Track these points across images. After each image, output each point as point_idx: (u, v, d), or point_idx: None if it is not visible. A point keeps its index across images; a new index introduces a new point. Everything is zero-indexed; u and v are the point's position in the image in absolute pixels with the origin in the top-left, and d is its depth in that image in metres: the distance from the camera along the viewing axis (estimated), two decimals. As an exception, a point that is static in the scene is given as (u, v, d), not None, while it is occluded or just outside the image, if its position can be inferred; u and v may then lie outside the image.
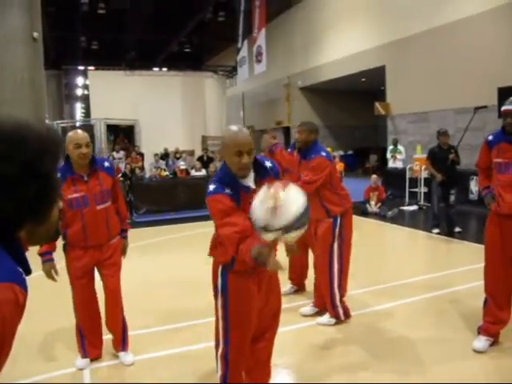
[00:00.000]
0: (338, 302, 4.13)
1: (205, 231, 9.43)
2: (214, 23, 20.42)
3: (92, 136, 16.59)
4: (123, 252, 3.65)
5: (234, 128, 2.42)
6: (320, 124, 18.83)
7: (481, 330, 3.64)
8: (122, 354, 3.59)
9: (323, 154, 4.08)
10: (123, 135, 20.07)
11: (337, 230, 4.07)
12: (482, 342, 3.58)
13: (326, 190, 4.06)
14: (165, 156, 16.92)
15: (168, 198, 10.56)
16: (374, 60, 14.68)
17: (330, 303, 4.15)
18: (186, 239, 8.33)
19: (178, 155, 16.16)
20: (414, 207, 10.84)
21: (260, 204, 2.03)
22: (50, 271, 3.30)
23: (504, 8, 10.37)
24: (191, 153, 18.70)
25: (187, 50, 24.70)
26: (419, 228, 8.71)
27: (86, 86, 26.90)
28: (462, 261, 6.18)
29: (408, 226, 9.15)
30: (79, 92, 32.86)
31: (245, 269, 2.42)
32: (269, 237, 2.03)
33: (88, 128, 17.89)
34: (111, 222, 3.45)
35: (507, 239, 3.42)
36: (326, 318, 4.22)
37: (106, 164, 3.50)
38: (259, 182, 2.35)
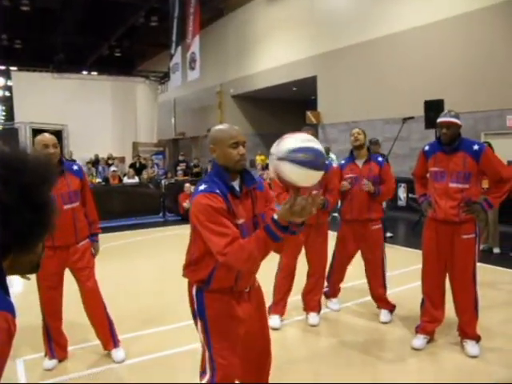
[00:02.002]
0: None
1: (142, 239, 9.25)
2: (146, 28, 20.10)
3: (16, 141, 15.74)
4: (94, 255, 3.70)
5: (224, 124, 2.33)
6: (252, 132, 19.06)
7: (418, 329, 3.87)
8: (113, 350, 3.62)
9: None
10: (50, 140, 19.20)
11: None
12: (419, 339, 3.80)
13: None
14: (95, 162, 16.42)
15: (101, 205, 10.23)
16: (306, 70, 15.08)
17: (386, 297, 4.49)
18: (123, 247, 8.13)
19: (110, 161, 15.73)
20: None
21: (288, 138, 2.00)
22: None
23: (429, 26, 11.06)
24: (122, 159, 18.24)
25: (118, 55, 24.10)
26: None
27: (7, 88, 25.49)
28: (394, 264, 6.43)
29: (341, 231, 9.44)
30: (-1, 93, 31.07)
31: (222, 287, 2.29)
32: (290, 168, 1.91)
33: (12, 132, 16.97)
34: (78, 223, 3.51)
35: (442, 243, 3.66)
36: (388, 314, 4.43)
37: (75, 167, 3.62)
38: (244, 189, 2.28)
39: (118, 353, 3.64)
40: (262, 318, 2.51)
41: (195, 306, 2.34)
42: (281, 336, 4.07)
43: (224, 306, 2.30)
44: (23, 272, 1.18)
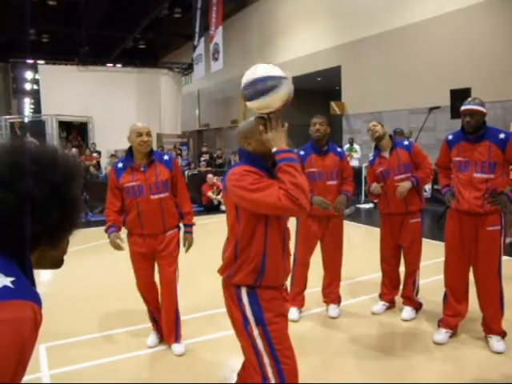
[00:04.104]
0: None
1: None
2: (169, 20, 20.15)
3: (43, 133, 16.01)
4: (188, 247, 3.69)
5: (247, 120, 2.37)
6: (276, 123, 18.95)
7: (441, 323, 3.78)
8: (174, 345, 3.65)
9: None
10: (76, 132, 19.50)
11: None
12: (442, 334, 3.71)
13: None
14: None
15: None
16: (330, 60, 14.90)
17: (413, 296, 4.35)
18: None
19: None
20: (370, 205, 11.09)
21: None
22: (115, 240, 3.41)
23: (456, 14, 10.77)
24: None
25: (142, 47, 24.27)
26: (375, 225, 8.89)
27: (35, 81, 25.94)
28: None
29: (364, 223, 9.35)
30: (28, 86, 31.69)
31: (275, 277, 2.18)
32: (253, 105, 2.22)
33: (39, 124, 17.27)
34: (167, 212, 3.53)
35: (466, 235, 3.55)
36: (411, 311, 4.28)
37: (166, 157, 3.63)
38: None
39: (177, 348, 3.63)
40: None
41: (247, 312, 2.13)
42: (299, 328, 4.04)
43: (279, 306, 2.20)
44: (48, 267, 1.20)
